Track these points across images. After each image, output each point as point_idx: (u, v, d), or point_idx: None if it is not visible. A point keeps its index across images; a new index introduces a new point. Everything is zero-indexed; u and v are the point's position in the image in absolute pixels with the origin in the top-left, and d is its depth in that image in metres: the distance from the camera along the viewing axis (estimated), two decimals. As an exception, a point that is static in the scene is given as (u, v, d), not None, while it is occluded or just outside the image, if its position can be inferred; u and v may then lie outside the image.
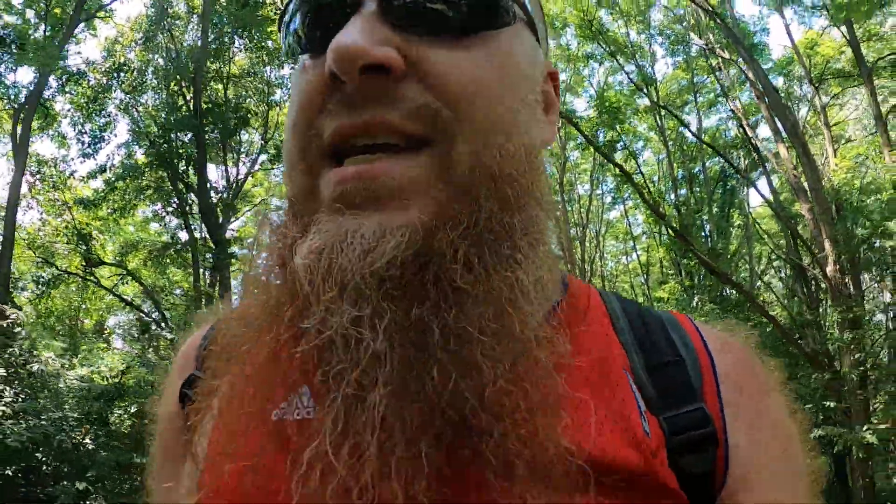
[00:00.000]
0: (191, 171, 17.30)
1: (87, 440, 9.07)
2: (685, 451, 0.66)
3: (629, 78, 20.08)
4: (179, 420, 0.78)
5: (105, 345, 19.86)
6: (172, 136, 16.64)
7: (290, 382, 0.62)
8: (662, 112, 20.14)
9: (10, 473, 8.21)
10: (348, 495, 0.54)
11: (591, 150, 19.88)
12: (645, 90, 19.43)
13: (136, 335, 21.57)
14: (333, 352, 0.56)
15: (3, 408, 7.71)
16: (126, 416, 10.75)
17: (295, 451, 0.57)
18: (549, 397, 0.58)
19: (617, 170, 16.16)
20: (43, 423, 8.13)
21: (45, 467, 8.75)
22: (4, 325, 8.41)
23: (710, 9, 14.05)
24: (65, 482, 8.42)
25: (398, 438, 0.55)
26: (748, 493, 0.67)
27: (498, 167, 0.60)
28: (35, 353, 9.04)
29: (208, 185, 17.06)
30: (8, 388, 8.14)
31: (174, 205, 18.87)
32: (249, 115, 17.26)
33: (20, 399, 8.44)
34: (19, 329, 8.88)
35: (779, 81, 20.78)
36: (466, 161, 0.59)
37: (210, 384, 0.67)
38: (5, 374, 8.16)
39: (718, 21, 14.10)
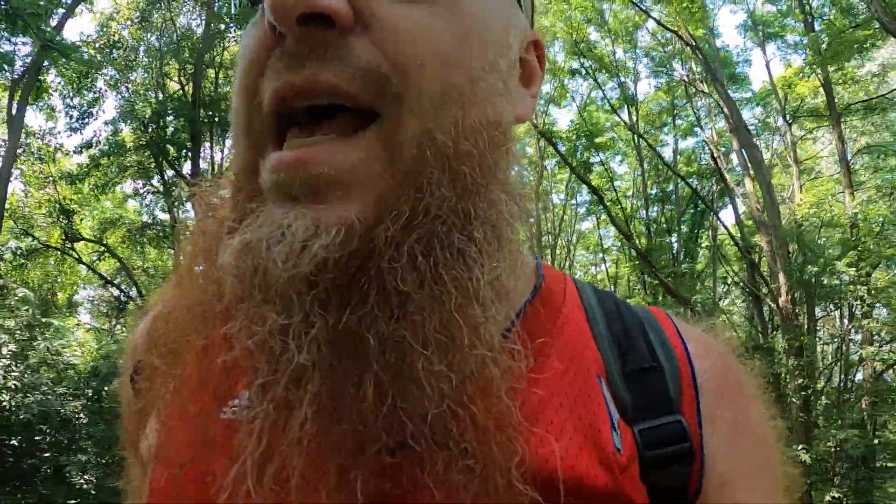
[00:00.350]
0: (181, 159, 17.47)
1: (82, 415, 9.36)
2: (659, 465, 0.63)
3: (607, 101, 20.80)
4: (133, 403, 0.72)
5: (77, 321, 19.87)
6: (164, 120, 16.78)
7: (243, 381, 0.56)
8: (639, 134, 20.87)
9: (15, 444, 8.40)
10: None
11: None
12: (625, 112, 20.15)
13: (106, 311, 21.67)
14: (259, 362, 0.52)
15: (15, 382, 7.97)
16: (106, 391, 11.06)
17: (223, 463, 0.53)
18: (501, 422, 0.53)
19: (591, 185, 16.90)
20: (49, 398, 8.41)
21: (48, 439, 9.00)
22: (12, 302, 8.69)
23: (693, 43, 14.76)
24: (68, 454, 8.74)
25: (328, 463, 0.51)
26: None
27: (453, 144, 0.53)
28: (37, 329, 9.30)
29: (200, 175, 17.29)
30: (15, 364, 8.34)
31: (157, 186, 18.98)
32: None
33: (26, 374, 8.64)
34: (26, 308, 9.15)
35: (757, 111, 21.72)
36: (415, 139, 0.52)
37: (149, 372, 0.65)
38: (15, 350, 8.41)
39: (699, 55, 14.82)
